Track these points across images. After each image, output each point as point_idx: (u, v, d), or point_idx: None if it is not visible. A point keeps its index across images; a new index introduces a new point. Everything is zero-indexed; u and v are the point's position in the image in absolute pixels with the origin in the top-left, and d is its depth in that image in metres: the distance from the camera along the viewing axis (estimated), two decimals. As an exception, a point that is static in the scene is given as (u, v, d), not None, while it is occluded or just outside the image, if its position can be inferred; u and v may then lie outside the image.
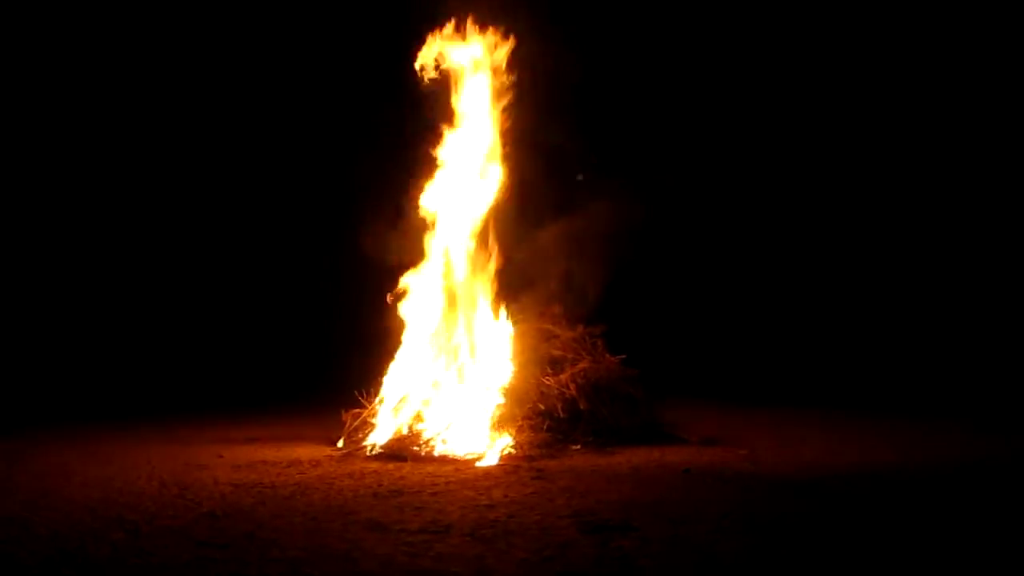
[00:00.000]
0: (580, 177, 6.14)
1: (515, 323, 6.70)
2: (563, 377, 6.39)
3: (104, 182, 9.70)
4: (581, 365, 6.46)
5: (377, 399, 6.58)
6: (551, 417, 6.20)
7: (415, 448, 5.94)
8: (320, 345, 9.74)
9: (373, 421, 6.46)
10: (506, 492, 4.23)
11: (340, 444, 6.38)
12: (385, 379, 6.67)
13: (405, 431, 6.18)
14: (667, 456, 5.34)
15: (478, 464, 5.58)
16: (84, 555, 2.91)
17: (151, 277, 9.93)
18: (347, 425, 6.49)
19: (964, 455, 4.84)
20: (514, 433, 6.02)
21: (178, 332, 9.78)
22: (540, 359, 6.53)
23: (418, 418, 6.24)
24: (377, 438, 6.22)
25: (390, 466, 5.52)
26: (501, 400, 6.24)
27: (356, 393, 6.65)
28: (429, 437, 6.03)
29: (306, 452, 6.06)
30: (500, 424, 6.10)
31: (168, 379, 9.05)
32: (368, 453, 5.99)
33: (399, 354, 6.65)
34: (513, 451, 5.85)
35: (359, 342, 7.01)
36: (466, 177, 6.27)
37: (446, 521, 3.53)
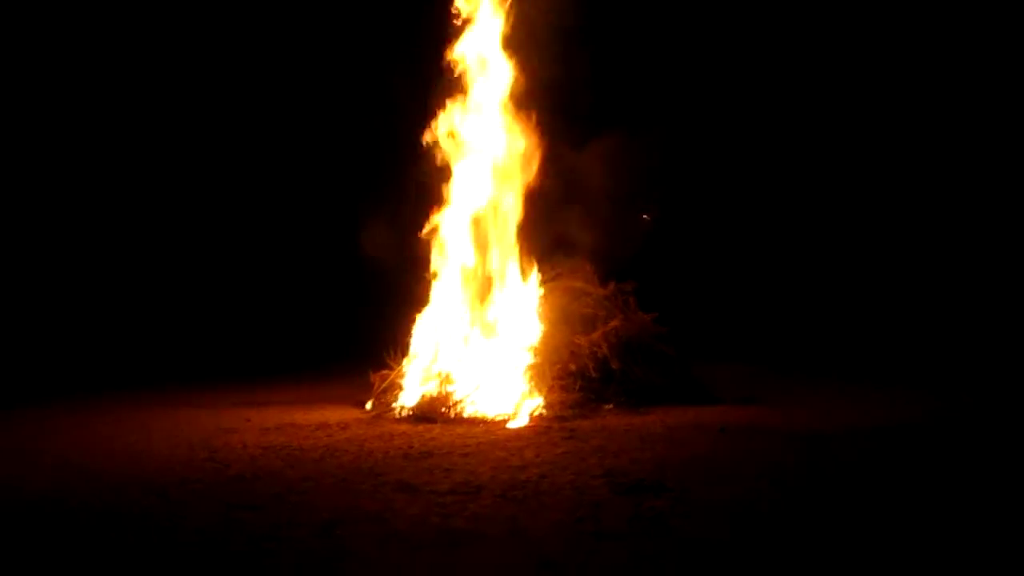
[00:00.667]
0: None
1: (545, 281, 6.67)
2: (595, 336, 6.38)
3: (139, 151, 9.99)
4: (613, 323, 6.43)
5: (405, 360, 6.61)
6: (583, 377, 6.19)
7: (444, 410, 5.95)
8: (347, 306, 9.89)
9: (401, 383, 6.48)
10: (538, 452, 4.25)
11: (369, 406, 6.43)
12: (413, 339, 6.66)
13: (434, 392, 6.18)
14: (702, 416, 5.36)
15: (509, 425, 5.59)
16: (116, 520, 2.98)
17: (177, 243, 10.14)
18: (375, 387, 6.53)
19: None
20: (545, 393, 6.03)
21: (202, 299, 9.82)
22: (571, 317, 6.50)
23: (447, 380, 6.24)
24: (406, 400, 6.26)
25: (419, 428, 5.53)
26: (531, 360, 6.24)
27: (384, 355, 6.68)
28: (459, 399, 6.04)
29: (335, 415, 6.10)
30: (531, 384, 6.11)
31: (194, 346, 9.21)
32: (397, 415, 6.03)
33: (427, 313, 6.64)
34: (544, 412, 5.86)
35: (386, 301, 7.08)
36: (493, 128, 6.26)
37: (477, 482, 3.56)
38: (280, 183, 10.50)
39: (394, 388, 6.48)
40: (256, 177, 10.46)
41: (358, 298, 9.36)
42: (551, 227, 6.60)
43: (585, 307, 6.60)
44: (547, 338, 6.38)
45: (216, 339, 9.51)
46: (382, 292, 7.19)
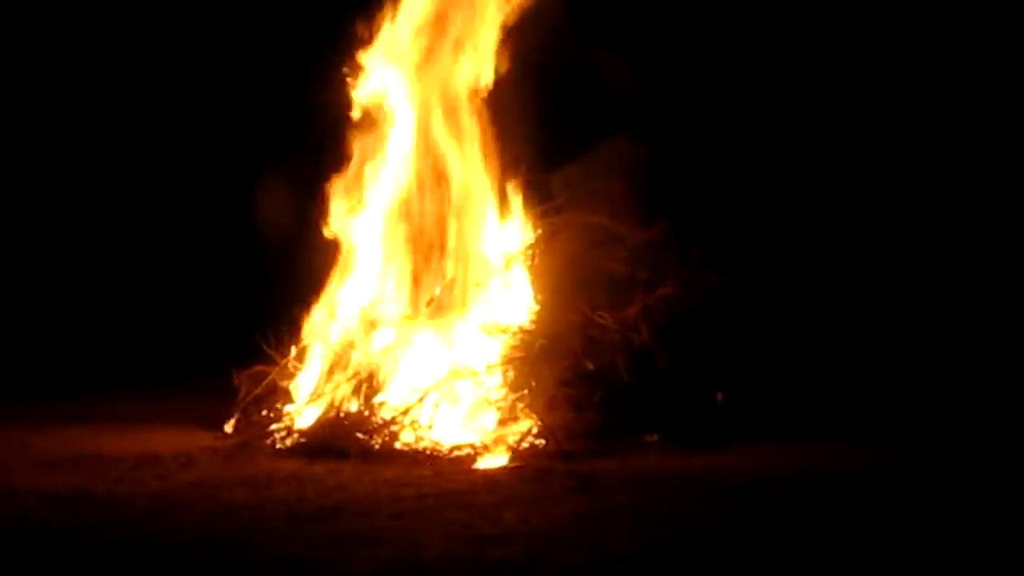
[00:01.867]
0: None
1: (543, 215, 6.79)
2: (630, 312, 6.40)
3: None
4: (662, 291, 6.48)
5: (296, 352, 6.75)
6: (606, 383, 6.22)
7: (364, 436, 5.99)
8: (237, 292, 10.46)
9: (290, 389, 6.57)
10: (525, 514, 4.31)
11: (229, 427, 6.51)
12: (311, 319, 6.84)
13: (347, 407, 6.26)
14: (801, 457, 5.60)
15: (477, 465, 5.62)
16: None
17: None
18: (242, 395, 6.62)
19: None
20: (540, 411, 6.04)
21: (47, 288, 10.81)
22: (589, 280, 6.52)
23: (370, 385, 6.32)
24: (297, 418, 6.31)
25: (319, 467, 5.57)
26: (517, 353, 6.29)
27: (262, 342, 6.85)
28: (390, 418, 6.07)
29: (172, 440, 6.22)
30: (515, 396, 6.17)
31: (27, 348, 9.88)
32: (280, 444, 6.08)
33: (338, 279, 6.92)
34: (538, 442, 5.90)
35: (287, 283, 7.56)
36: None
37: (418, 563, 3.58)
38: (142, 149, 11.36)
39: (275, 398, 6.58)
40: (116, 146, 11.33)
41: (250, 282, 10.01)
42: (550, 108, 6.92)
43: (614, 261, 6.58)
44: (546, 316, 6.43)
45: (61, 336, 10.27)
46: (282, 270, 7.99)
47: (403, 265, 6.74)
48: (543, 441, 5.92)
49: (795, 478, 5.17)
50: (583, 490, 4.94)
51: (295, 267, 7.49)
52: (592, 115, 7.31)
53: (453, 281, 6.70)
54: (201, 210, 11.15)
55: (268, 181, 7.85)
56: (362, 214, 6.87)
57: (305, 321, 6.80)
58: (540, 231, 6.72)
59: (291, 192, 7.63)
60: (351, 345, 6.53)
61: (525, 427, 5.99)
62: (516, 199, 6.77)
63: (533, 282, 6.52)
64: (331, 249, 6.94)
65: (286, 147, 8.35)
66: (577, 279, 6.52)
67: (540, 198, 6.83)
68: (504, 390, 6.21)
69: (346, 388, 6.34)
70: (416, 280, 6.75)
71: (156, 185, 11.45)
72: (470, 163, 6.80)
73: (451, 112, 6.85)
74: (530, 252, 6.64)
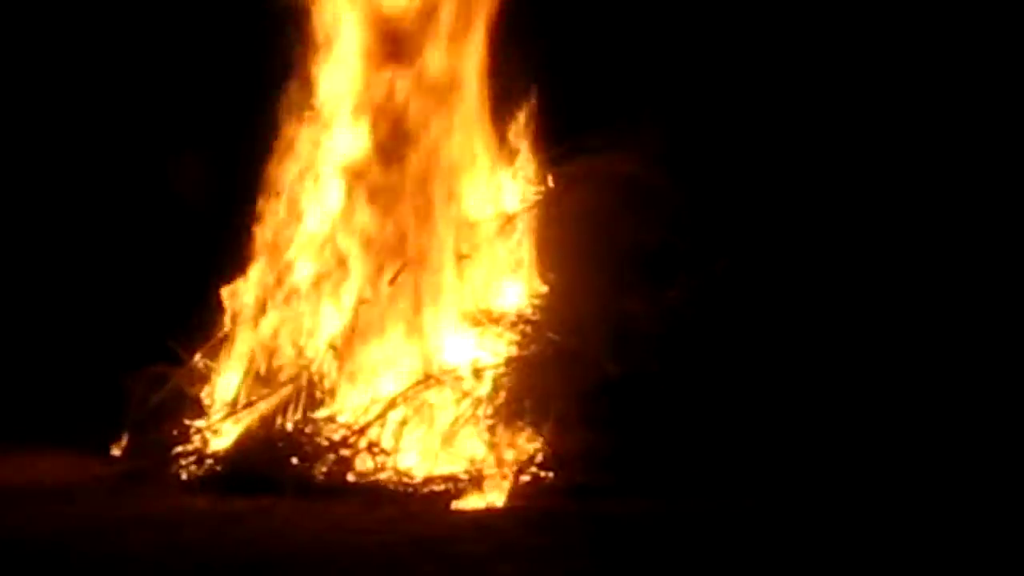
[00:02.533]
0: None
1: (555, 167, 6.84)
2: (672, 294, 6.58)
3: None
4: (722, 263, 6.63)
5: (206, 345, 6.89)
6: (638, 395, 6.27)
7: (303, 464, 6.07)
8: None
9: (201, 396, 6.70)
10: (526, 574, 4.44)
11: (118, 449, 6.65)
12: (232, 301, 6.98)
13: (280, 424, 6.34)
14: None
15: (459, 505, 5.64)
16: None
17: None
18: (134, 406, 6.74)
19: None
20: (547, 434, 6.12)
21: None
22: (614, 251, 6.58)
23: (312, 393, 6.40)
24: (210, 439, 6.44)
25: (241, 504, 5.60)
26: (517, 353, 6.35)
27: (167, 339, 7.01)
28: (340, 439, 6.15)
29: (53, 469, 6.36)
30: (514, 413, 6.21)
31: None
32: (187, 473, 6.20)
33: (271, 252, 7.04)
34: (544, 475, 5.96)
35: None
36: None
37: None
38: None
39: (181, 410, 6.69)
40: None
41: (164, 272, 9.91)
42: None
43: (648, 226, 6.68)
44: (556, 301, 6.48)
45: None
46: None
47: (360, 232, 6.85)
48: (551, 473, 5.99)
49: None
50: (604, 541, 4.89)
51: (212, 244, 7.67)
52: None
53: (427, 251, 6.74)
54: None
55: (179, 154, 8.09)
56: (310, 169, 7.13)
57: (224, 304, 6.95)
58: (549, 184, 6.74)
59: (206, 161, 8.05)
60: (287, 338, 6.66)
61: (526, 454, 6.05)
62: (519, 140, 6.84)
63: (539, 253, 6.57)
64: (262, 216, 7.20)
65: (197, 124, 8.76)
66: (599, 250, 6.54)
67: (551, 140, 6.91)
68: (498, 403, 6.24)
69: (279, 397, 6.41)
70: (377, 250, 6.85)
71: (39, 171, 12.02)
72: (456, 95, 6.95)
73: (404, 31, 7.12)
74: (536, 212, 6.67)
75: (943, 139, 8.95)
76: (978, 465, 6.57)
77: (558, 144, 6.96)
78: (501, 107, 7.02)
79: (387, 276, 6.81)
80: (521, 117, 6.91)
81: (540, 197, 6.73)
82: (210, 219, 7.89)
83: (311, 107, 7.35)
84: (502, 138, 6.93)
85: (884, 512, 5.35)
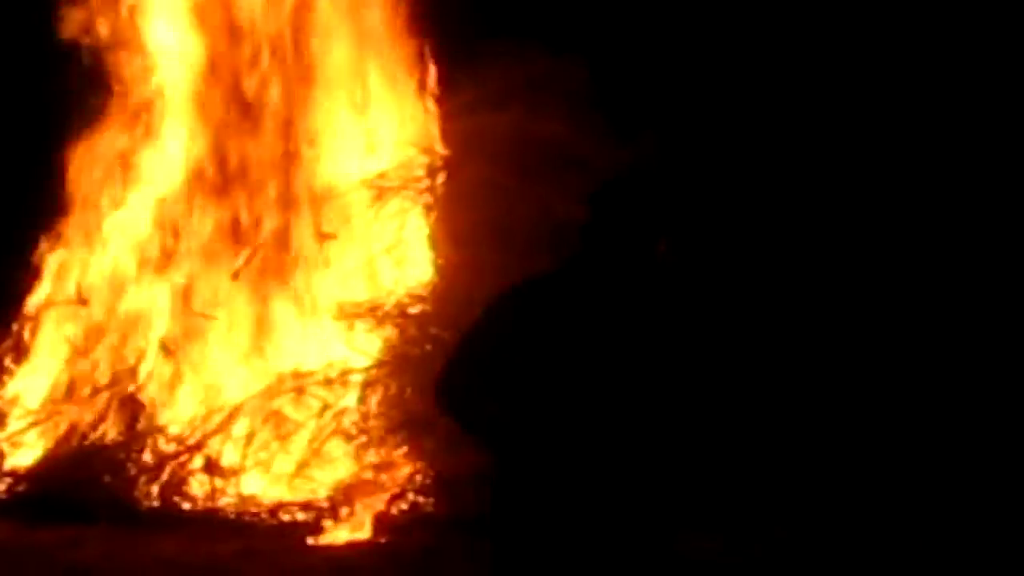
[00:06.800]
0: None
1: (453, 122, 6.31)
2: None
3: None
4: (662, 244, 6.38)
5: (3, 344, 6.28)
6: (551, 402, 5.70)
7: (123, 486, 5.49)
8: None
9: None
10: None
11: None
12: (38, 287, 6.31)
13: (96, 436, 5.72)
14: None
15: (318, 540, 5.16)
16: None
17: None
18: None
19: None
20: (430, 451, 5.53)
21: None
22: (524, 228, 6.03)
23: (136, 400, 5.78)
24: (9, 453, 5.79)
25: (45, 534, 5.04)
26: (398, 350, 5.78)
27: None
28: (172, 453, 5.58)
29: None
30: (390, 425, 5.66)
31: None
32: None
33: (85, 226, 6.40)
34: (423, 503, 5.36)
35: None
36: None
37: None
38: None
39: None
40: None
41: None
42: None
43: (566, 198, 5.91)
44: (449, 287, 5.91)
45: None
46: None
47: (204, 205, 6.27)
48: (431, 500, 5.45)
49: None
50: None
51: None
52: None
53: (283, 231, 6.16)
54: None
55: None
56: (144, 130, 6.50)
57: (30, 289, 6.33)
58: (446, 144, 6.23)
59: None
60: (106, 331, 6.02)
61: (403, 478, 5.54)
62: (406, 87, 6.31)
63: (431, 230, 6.07)
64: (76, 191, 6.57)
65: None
66: (505, 226, 6.04)
67: (449, 90, 6.42)
68: (368, 415, 5.73)
69: (96, 404, 5.82)
70: (223, 228, 6.25)
71: None
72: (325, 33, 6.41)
73: None
74: (428, 179, 6.12)
75: (942, 139, 8.86)
76: (978, 465, 6.36)
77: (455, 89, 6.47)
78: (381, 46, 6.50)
79: (234, 263, 6.26)
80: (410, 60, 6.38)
81: (428, 161, 6.22)
82: (19, 191, 6.95)
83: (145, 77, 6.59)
84: (382, 86, 6.42)
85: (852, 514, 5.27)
